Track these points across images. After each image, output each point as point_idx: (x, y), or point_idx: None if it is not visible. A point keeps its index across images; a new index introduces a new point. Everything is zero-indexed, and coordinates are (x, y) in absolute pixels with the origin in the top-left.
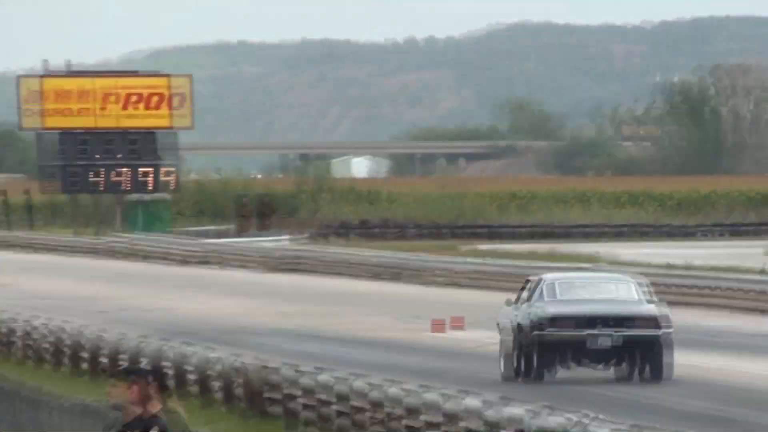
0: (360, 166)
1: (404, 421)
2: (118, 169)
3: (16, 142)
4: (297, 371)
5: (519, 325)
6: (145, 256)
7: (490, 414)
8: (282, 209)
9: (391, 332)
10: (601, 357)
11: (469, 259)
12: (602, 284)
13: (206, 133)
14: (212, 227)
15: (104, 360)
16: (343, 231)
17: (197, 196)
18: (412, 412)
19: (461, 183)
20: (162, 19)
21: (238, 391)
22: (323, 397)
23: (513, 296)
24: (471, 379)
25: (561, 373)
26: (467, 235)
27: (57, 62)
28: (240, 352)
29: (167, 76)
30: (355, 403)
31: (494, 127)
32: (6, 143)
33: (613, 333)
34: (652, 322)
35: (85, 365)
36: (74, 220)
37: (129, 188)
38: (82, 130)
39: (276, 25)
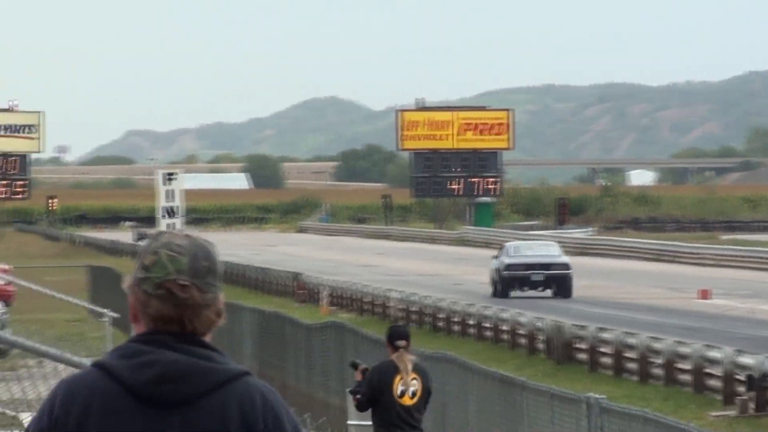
0: (642, 177)
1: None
2: (468, 179)
3: (395, 159)
4: (600, 328)
5: (495, 269)
6: (475, 244)
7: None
8: (589, 209)
9: (662, 300)
10: (537, 285)
11: (715, 245)
12: (539, 246)
13: (525, 153)
14: (536, 222)
15: (441, 322)
16: (634, 225)
17: (525, 199)
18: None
19: (720, 189)
20: (487, 68)
21: (556, 343)
22: (604, 349)
23: (497, 254)
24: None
25: (516, 293)
26: (724, 228)
27: (410, 99)
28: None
29: (507, 110)
30: (628, 354)
31: (735, 148)
32: (388, 161)
33: (544, 272)
34: (565, 266)
35: (440, 325)
36: (434, 217)
37: (476, 193)
38: (444, 150)
39: (580, 69)
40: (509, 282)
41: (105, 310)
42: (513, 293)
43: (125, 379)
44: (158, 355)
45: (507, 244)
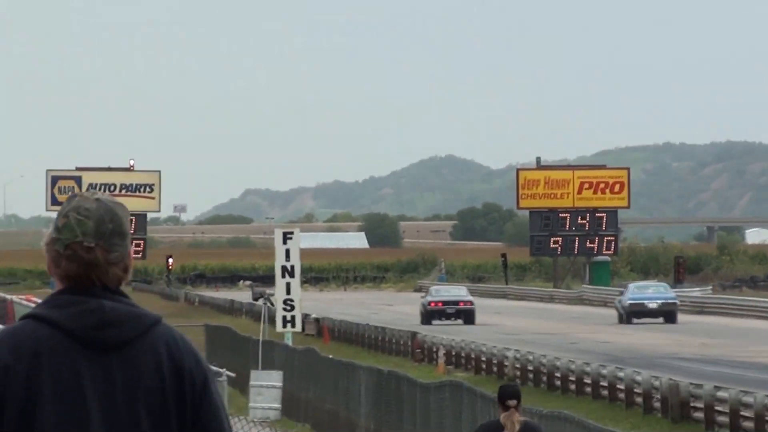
0: (759, 236)
1: None
2: (585, 238)
3: (513, 218)
4: (716, 387)
5: (422, 304)
6: (592, 303)
7: None
8: (706, 267)
9: None
10: (452, 316)
11: None
12: (453, 289)
13: (642, 212)
14: (654, 280)
15: (557, 381)
16: (751, 284)
17: (643, 257)
18: None
19: None
20: (605, 125)
21: (672, 402)
22: (721, 408)
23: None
24: None
25: (437, 323)
26: None
27: (526, 158)
28: (660, 374)
29: (625, 168)
30: (744, 413)
31: None
32: (506, 219)
33: (456, 306)
34: (470, 303)
35: (557, 384)
36: (552, 276)
37: (591, 252)
38: (562, 209)
39: (697, 128)
40: (431, 314)
41: (221, 370)
42: (435, 322)
43: (65, 325)
44: (93, 303)
45: (430, 288)
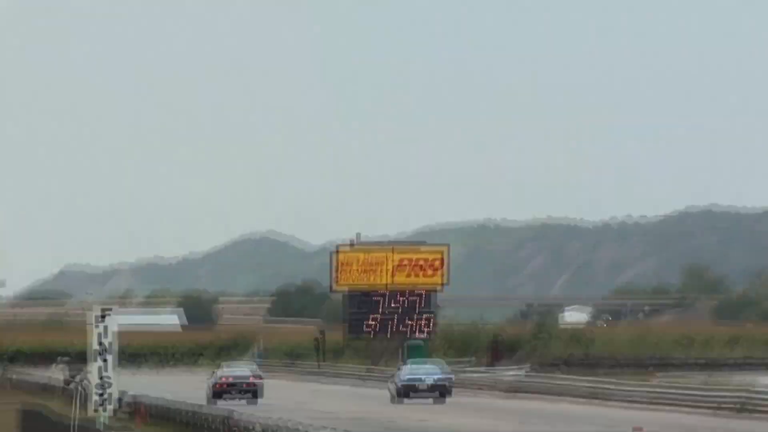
0: (577, 316)
1: None
2: (401, 319)
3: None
4: None
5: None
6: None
7: None
8: (524, 347)
9: None
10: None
11: (648, 385)
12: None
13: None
14: (470, 359)
15: None
16: (565, 365)
17: (460, 336)
18: None
19: (652, 328)
20: (423, 203)
21: None
22: None
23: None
24: None
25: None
26: (658, 366)
27: (348, 234)
28: None
29: (443, 246)
30: None
31: (670, 286)
32: (325, 298)
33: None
34: (259, 378)
35: None
36: (367, 357)
37: (408, 334)
38: (376, 289)
39: (516, 207)
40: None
41: None
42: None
43: None
44: None
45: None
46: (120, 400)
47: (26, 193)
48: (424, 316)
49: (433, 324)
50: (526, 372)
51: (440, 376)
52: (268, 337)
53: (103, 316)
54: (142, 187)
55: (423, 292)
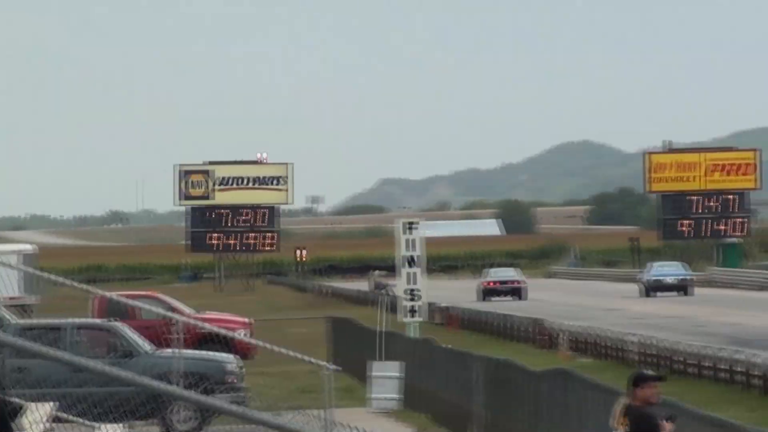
0: None
1: None
2: (715, 220)
3: (647, 202)
4: None
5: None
6: (723, 285)
7: None
8: None
9: None
10: (507, 293)
11: None
12: (507, 270)
13: None
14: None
15: (677, 365)
16: None
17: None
18: None
19: None
20: (740, 105)
21: None
22: None
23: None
24: None
25: (494, 299)
26: None
27: (657, 142)
28: None
29: (754, 150)
30: None
31: None
32: (640, 204)
33: (509, 284)
34: (520, 282)
35: (677, 367)
36: (683, 259)
37: (723, 234)
38: (691, 192)
39: None
40: (489, 292)
41: (324, 363)
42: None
43: None
44: None
45: (488, 269)
46: (433, 306)
47: (338, 109)
48: (738, 217)
49: (747, 225)
50: None
51: (683, 275)
52: (585, 242)
53: (410, 228)
54: (455, 97)
55: (735, 194)
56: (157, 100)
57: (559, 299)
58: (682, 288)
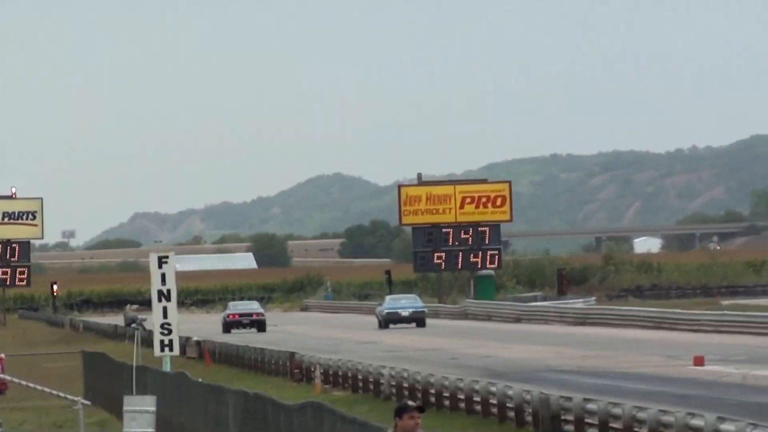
0: (647, 245)
1: None
2: (468, 252)
3: (401, 234)
4: (585, 399)
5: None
6: (477, 317)
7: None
8: (591, 278)
9: (658, 368)
10: (247, 325)
11: (714, 311)
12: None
13: (531, 224)
14: (539, 293)
15: (432, 397)
16: (637, 293)
17: (527, 270)
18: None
19: (724, 255)
20: (492, 138)
21: (543, 415)
22: (590, 420)
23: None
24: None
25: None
26: (727, 294)
27: (415, 174)
28: (532, 387)
29: (506, 182)
30: (614, 424)
31: (738, 213)
32: (394, 236)
33: (409, 310)
34: (262, 315)
35: (431, 400)
36: (437, 291)
37: (475, 266)
38: (445, 224)
39: (584, 139)
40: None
41: (77, 398)
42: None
43: None
44: None
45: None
46: (187, 340)
47: (92, 143)
48: (491, 249)
49: (500, 257)
50: (594, 302)
51: (417, 307)
52: (339, 275)
53: (162, 262)
54: (207, 131)
55: (488, 226)
56: None
57: (313, 332)
58: (415, 320)
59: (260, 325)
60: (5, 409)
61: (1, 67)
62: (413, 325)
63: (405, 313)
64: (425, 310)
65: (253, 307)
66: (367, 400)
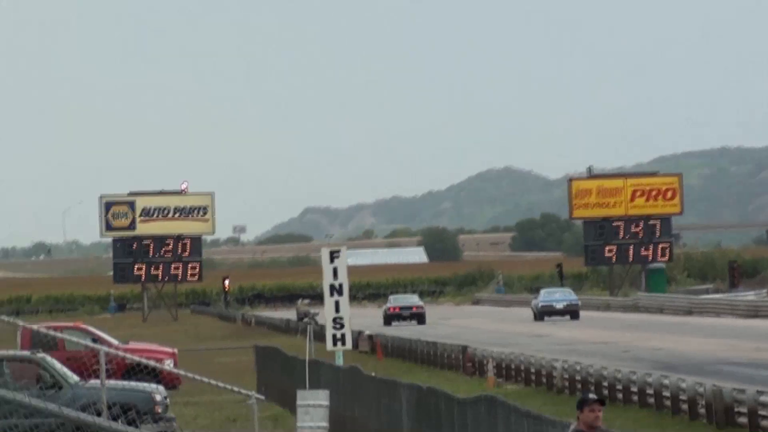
0: None
1: None
2: (639, 245)
3: (571, 228)
4: (759, 392)
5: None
6: (648, 310)
7: None
8: (763, 271)
9: None
10: (407, 318)
11: None
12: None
13: (702, 217)
14: (710, 286)
15: (605, 391)
16: None
17: (699, 263)
18: None
19: None
20: (661, 132)
21: (716, 407)
22: (764, 412)
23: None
24: None
25: (396, 323)
26: None
27: (581, 168)
28: (704, 380)
29: (676, 175)
30: None
31: None
32: (564, 230)
33: (563, 303)
34: (422, 308)
35: (604, 393)
36: (608, 284)
37: (646, 259)
38: (614, 217)
39: (755, 132)
40: (392, 317)
41: (250, 393)
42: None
43: None
44: None
45: (390, 297)
46: (359, 334)
47: (262, 138)
48: (662, 242)
49: (670, 250)
50: (765, 295)
51: (572, 300)
52: (509, 268)
53: (334, 257)
54: (377, 126)
55: (659, 219)
56: (79, 128)
57: (485, 326)
58: (569, 312)
59: (420, 318)
60: (178, 404)
61: (175, 63)
62: (567, 317)
63: (559, 305)
64: (579, 303)
65: (413, 300)
66: (540, 394)
